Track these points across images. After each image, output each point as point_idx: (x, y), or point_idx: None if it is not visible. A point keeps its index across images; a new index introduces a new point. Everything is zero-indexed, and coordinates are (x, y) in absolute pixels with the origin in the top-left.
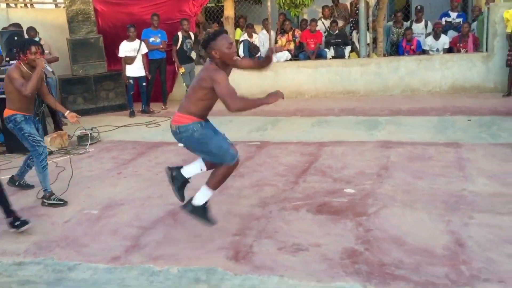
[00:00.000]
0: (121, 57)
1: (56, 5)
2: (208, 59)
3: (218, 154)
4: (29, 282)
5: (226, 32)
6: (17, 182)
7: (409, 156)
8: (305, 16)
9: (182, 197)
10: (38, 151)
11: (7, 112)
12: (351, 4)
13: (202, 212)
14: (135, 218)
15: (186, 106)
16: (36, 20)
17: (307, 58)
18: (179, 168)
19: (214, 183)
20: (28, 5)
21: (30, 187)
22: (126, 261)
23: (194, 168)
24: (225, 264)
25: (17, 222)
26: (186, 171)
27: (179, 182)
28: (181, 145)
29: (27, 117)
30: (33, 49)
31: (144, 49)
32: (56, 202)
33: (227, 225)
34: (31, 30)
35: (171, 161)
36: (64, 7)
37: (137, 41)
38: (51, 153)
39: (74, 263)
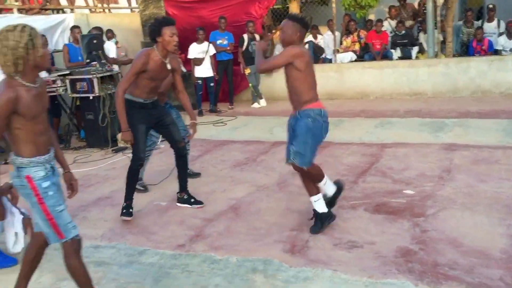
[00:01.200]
0: (190, 59)
1: (131, 10)
2: None
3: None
4: (104, 264)
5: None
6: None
7: (474, 159)
8: (373, 17)
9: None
10: None
11: None
12: (419, 4)
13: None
14: (199, 211)
15: None
16: (114, 24)
17: (373, 59)
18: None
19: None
20: (106, 10)
21: (197, 175)
22: (190, 249)
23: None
24: (281, 257)
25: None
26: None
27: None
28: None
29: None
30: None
31: (212, 51)
32: (140, 187)
33: (285, 220)
34: (109, 32)
35: (236, 159)
36: (138, 12)
37: (206, 43)
38: (125, 148)
39: (143, 248)
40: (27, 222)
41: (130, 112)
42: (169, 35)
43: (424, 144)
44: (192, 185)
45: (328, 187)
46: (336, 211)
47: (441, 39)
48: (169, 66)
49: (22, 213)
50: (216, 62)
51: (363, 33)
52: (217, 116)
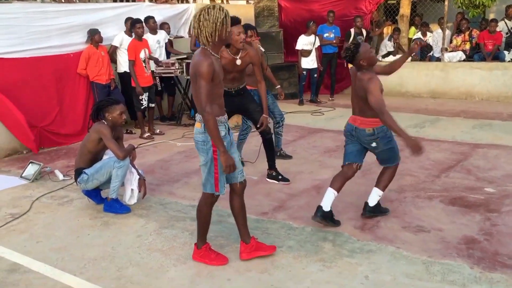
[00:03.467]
0: (298, 50)
1: (247, 1)
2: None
3: (391, 155)
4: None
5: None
6: (278, 153)
7: None
8: (493, 16)
9: (338, 223)
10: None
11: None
12: None
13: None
14: (286, 187)
15: (366, 111)
16: (230, 14)
17: (483, 59)
18: (319, 209)
19: (384, 185)
20: (225, 1)
21: (289, 157)
22: (272, 216)
23: (328, 198)
24: (351, 231)
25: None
26: (326, 205)
27: (329, 217)
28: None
29: (251, 90)
30: (249, 33)
31: (318, 43)
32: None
33: (361, 202)
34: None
35: (327, 146)
36: (253, 3)
37: (313, 36)
38: (238, 126)
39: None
40: (141, 182)
41: None
42: (236, 33)
43: None
44: (283, 165)
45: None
46: (412, 199)
47: None
48: (238, 62)
49: (139, 173)
50: (321, 54)
51: (475, 33)
52: (317, 106)
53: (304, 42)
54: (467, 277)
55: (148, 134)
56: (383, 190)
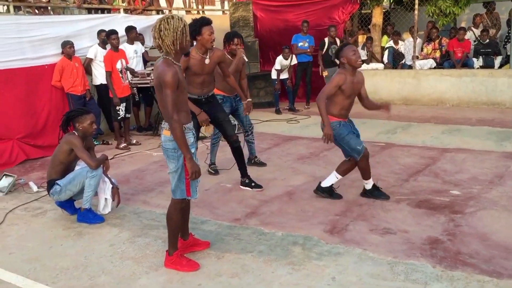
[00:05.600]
0: (276, 70)
1: (223, 12)
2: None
3: (348, 150)
4: None
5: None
6: (252, 160)
7: None
8: (464, 24)
9: (338, 196)
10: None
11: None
12: (509, 13)
13: (328, 191)
14: (259, 193)
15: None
16: None
17: (452, 66)
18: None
19: (341, 171)
20: (201, 12)
21: (263, 164)
22: (244, 222)
23: (331, 178)
24: (321, 235)
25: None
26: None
27: (329, 191)
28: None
29: (224, 96)
30: (236, 41)
31: (294, 61)
32: (211, 170)
33: (332, 207)
34: None
35: (300, 153)
36: (228, 14)
37: (290, 58)
38: (204, 137)
39: (206, 219)
40: (115, 191)
41: None
42: (208, 34)
43: (485, 151)
44: (257, 172)
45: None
46: (381, 203)
47: None
48: (207, 61)
49: (112, 183)
50: (296, 65)
51: (445, 41)
52: (293, 114)
53: (282, 63)
54: (429, 276)
55: (125, 144)
56: (340, 175)
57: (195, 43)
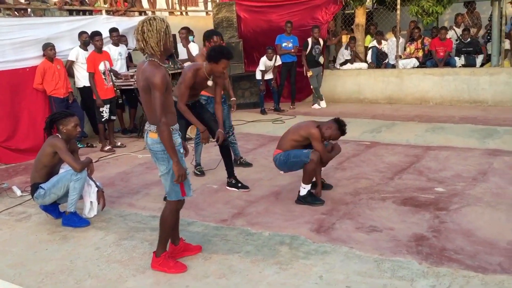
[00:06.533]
0: (261, 70)
1: (206, 13)
2: None
3: (298, 161)
4: (158, 229)
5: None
6: (238, 161)
7: None
8: (446, 24)
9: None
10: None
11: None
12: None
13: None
14: (245, 194)
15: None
16: (189, 25)
17: (435, 65)
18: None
19: (305, 180)
20: (184, 13)
21: (249, 165)
22: (231, 223)
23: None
24: (307, 234)
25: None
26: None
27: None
28: None
29: (208, 97)
30: (215, 38)
31: (279, 62)
32: (197, 172)
33: (318, 206)
34: (184, 29)
35: None
36: (212, 15)
37: (274, 59)
38: (190, 139)
39: (192, 220)
40: (100, 194)
41: None
42: (223, 66)
43: (468, 149)
44: (243, 172)
45: None
46: (366, 201)
47: (508, 47)
48: (210, 83)
49: (97, 186)
50: (280, 65)
51: (427, 40)
52: (278, 114)
53: (266, 64)
54: (416, 272)
55: (109, 147)
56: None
57: (205, 63)
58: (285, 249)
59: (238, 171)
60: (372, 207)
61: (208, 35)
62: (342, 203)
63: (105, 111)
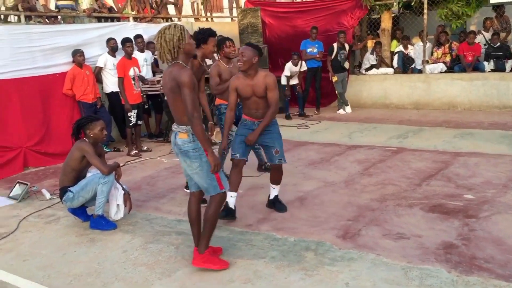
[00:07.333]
0: (286, 76)
1: (231, 19)
2: None
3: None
4: (183, 233)
5: None
6: (263, 166)
7: None
8: (474, 28)
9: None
10: None
11: (217, 101)
12: None
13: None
14: None
15: None
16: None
17: (463, 70)
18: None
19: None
20: (209, 19)
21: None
22: (256, 228)
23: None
24: (333, 240)
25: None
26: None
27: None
28: None
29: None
30: (227, 43)
31: (304, 67)
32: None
33: (344, 212)
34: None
35: (311, 158)
36: (237, 21)
37: (299, 65)
38: (214, 144)
39: (217, 225)
40: (126, 197)
41: None
42: (212, 44)
43: (498, 155)
44: (268, 178)
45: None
46: (393, 208)
47: None
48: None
49: (123, 189)
50: (305, 72)
51: (455, 45)
52: (303, 120)
53: (292, 70)
54: (444, 281)
55: (136, 151)
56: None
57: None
58: (310, 255)
59: (262, 177)
60: (399, 214)
61: (221, 41)
62: (369, 209)
63: (133, 115)
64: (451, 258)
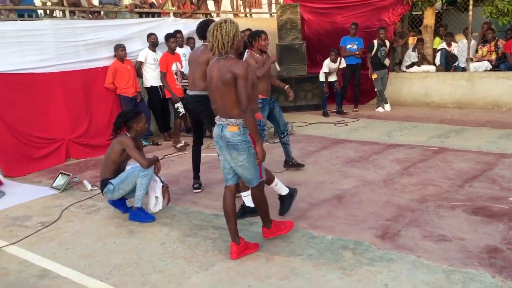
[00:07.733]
0: (325, 73)
1: (270, 14)
2: None
3: None
4: (220, 228)
5: None
6: (289, 162)
7: None
8: None
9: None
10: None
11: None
12: None
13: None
14: (308, 196)
15: None
16: (253, 27)
17: (509, 69)
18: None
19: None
20: (248, 15)
21: (301, 166)
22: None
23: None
24: (372, 240)
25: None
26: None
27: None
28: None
29: (263, 99)
30: (263, 36)
31: (343, 64)
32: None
33: (383, 211)
34: (248, 30)
35: (349, 156)
36: (276, 16)
37: (338, 61)
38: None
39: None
40: (165, 190)
41: None
42: (264, 38)
43: None
44: (305, 174)
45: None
46: (434, 209)
47: None
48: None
49: (162, 181)
50: (344, 68)
51: (501, 43)
52: (341, 117)
53: (330, 66)
54: (489, 286)
55: (182, 144)
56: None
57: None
58: (348, 254)
59: (294, 174)
60: (441, 215)
61: (254, 34)
62: (409, 209)
63: (180, 106)
64: (495, 263)
